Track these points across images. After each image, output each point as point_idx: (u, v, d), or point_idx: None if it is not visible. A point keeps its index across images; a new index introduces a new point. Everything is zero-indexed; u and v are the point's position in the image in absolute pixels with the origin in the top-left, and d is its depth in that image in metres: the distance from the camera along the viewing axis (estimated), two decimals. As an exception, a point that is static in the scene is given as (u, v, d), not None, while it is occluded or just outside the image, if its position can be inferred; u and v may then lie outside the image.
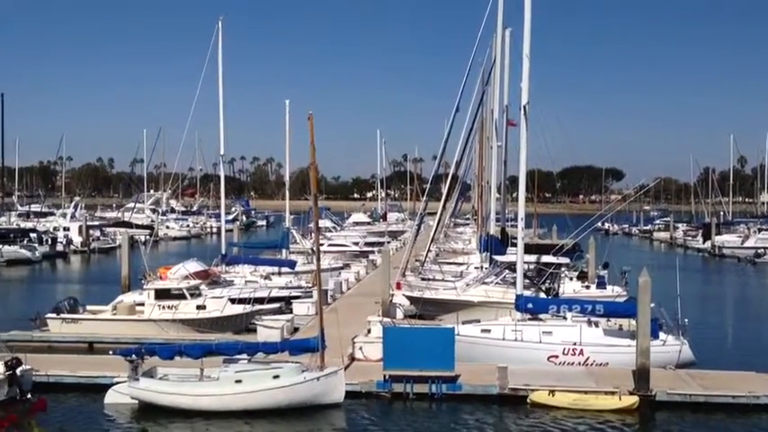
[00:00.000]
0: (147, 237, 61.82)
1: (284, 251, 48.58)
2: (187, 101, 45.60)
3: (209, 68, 43.22)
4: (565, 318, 26.82)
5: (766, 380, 23.41)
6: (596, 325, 26.82)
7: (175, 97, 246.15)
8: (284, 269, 42.17)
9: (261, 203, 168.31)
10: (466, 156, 46.95)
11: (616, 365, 24.68)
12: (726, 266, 73.21)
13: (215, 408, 21.46)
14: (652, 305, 24.13)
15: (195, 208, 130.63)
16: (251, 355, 22.83)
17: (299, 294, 36.24)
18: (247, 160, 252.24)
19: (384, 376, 23.01)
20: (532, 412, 22.02)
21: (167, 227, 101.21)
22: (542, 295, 30.73)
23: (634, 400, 22.14)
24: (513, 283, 29.72)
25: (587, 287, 37.74)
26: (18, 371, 22.17)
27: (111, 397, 22.29)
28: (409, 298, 34.34)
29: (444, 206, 45.80)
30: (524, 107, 28.08)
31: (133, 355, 22.12)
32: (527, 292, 29.07)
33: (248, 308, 32.51)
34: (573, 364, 25.31)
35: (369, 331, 27.39)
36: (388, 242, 64.79)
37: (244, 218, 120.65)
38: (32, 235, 70.25)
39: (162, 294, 32.52)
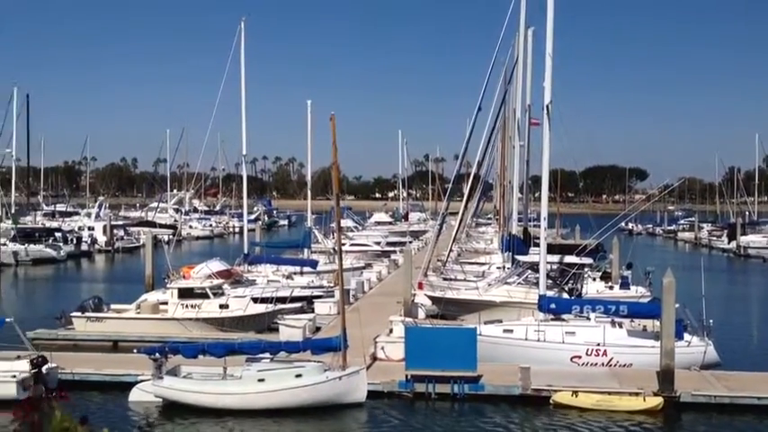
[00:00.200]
0: (171, 236, 62.25)
1: (306, 251, 48.77)
2: (210, 101, 45.90)
3: (232, 69, 43.61)
4: (588, 318, 26.69)
5: (793, 382, 23.16)
6: (620, 326, 26.62)
7: (198, 98, 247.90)
8: (306, 269, 42.32)
9: (283, 203, 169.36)
10: (488, 155, 46.99)
11: (640, 366, 24.47)
12: (751, 267, 72.39)
13: (238, 406, 21.55)
14: (676, 306, 23.90)
15: (218, 208, 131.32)
16: (273, 354, 22.91)
17: (321, 294, 36.35)
18: (269, 160, 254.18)
19: (406, 376, 23.00)
20: (555, 413, 21.91)
21: (190, 226, 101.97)
22: (565, 296, 30.60)
23: (658, 401, 21.97)
24: (536, 284, 29.63)
25: (611, 287, 37.48)
26: (44, 369, 22.42)
27: (135, 395, 22.49)
28: (431, 298, 34.33)
29: (466, 206, 45.76)
30: (547, 106, 27.95)
31: (157, 354, 22.26)
32: (550, 293, 28.97)
33: (270, 307, 32.63)
34: (596, 364, 25.15)
35: (391, 331, 27.35)
36: (410, 242, 64.84)
37: (266, 217, 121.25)
38: (57, 234, 70.85)
39: (185, 293, 32.72)
